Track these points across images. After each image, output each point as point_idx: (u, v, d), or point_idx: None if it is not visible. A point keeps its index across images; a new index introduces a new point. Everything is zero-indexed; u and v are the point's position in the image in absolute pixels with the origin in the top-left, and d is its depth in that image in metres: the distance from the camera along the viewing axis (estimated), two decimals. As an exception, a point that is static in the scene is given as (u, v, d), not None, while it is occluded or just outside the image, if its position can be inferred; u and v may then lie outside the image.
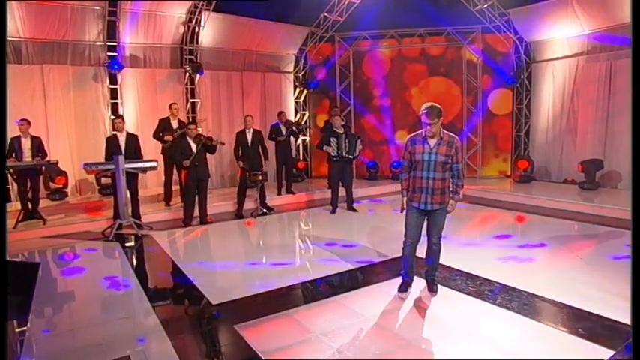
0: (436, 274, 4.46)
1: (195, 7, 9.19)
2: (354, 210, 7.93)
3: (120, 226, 6.53)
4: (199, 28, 9.57)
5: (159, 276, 5.34)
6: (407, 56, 10.69)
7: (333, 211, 7.89)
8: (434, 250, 4.35)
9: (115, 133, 6.86)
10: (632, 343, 2.14)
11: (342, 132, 7.61)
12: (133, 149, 6.67)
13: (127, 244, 6.29)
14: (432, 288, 4.41)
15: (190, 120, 9.22)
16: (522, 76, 10.00)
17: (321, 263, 5.28)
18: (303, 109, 11.50)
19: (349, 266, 5.15)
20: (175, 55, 9.74)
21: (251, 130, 7.77)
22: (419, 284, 4.46)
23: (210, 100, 10.10)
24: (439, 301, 4.18)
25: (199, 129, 7.90)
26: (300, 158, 11.39)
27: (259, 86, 10.74)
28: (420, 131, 4.11)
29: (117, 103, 9.06)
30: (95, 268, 5.40)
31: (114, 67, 8.64)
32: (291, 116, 11.33)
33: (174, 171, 7.96)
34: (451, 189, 4.17)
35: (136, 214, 6.78)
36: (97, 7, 8.52)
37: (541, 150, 10.06)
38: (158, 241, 6.36)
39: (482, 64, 10.30)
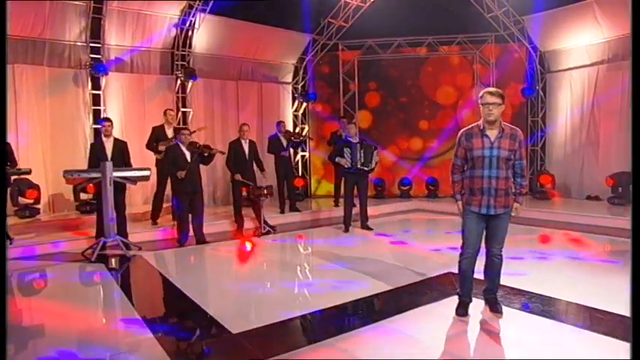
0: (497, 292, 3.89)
1: (190, 7, 8.72)
2: (369, 228, 7.38)
3: (104, 246, 5.76)
4: (193, 31, 9.08)
5: (159, 302, 4.58)
6: (416, 66, 10.45)
7: (347, 229, 7.33)
8: (495, 264, 3.79)
9: (101, 139, 6.17)
10: (632, 342, 2.11)
11: (356, 141, 7.14)
12: (122, 157, 6.00)
13: (113, 266, 5.51)
14: (495, 308, 3.81)
15: (182, 125, 8.58)
16: (537, 87, 9.81)
17: (351, 284, 4.65)
18: (303, 123, 11.03)
19: (385, 286, 4.54)
20: (166, 60, 9.20)
21: (247, 141, 7.23)
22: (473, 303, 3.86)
23: (202, 111, 9.53)
24: (509, 323, 3.60)
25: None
26: (299, 175, 10.81)
27: (256, 97, 10.29)
28: (474, 124, 3.65)
29: (99, 110, 8.39)
30: (79, 294, 4.65)
31: (99, 70, 7.99)
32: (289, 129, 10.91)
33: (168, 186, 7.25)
34: (514, 190, 3.68)
35: (122, 231, 6.02)
36: (80, 3, 7.94)
37: (559, 165, 9.78)
38: (151, 262, 5.61)
39: (495, 75, 10.08)
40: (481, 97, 3.54)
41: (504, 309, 3.80)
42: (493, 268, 3.80)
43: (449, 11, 9.37)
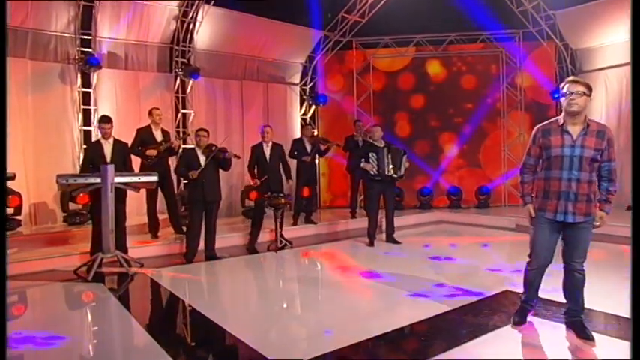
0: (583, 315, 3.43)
1: (194, -3, 8.29)
2: (397, 241, 6.93)
3: (99, 263, 5.17)
4: (195, 25, 8.62)
5: (182, 330, 3.99)
6: (436, 65, 10.13)
7: (372, 243, 6.87)
8: (577, 280, 3.37)
9: (98, 139, 5.68)
10: (632, 342, 2.13)
11: (382, 145, 6.75)
12: (122, 161, 5.51)
13: (114, 286, 4.94)
14: (584, 333, 3.35)
15: (186, 131, 8.08)
16: (568, 89, 9.46)
17: (401, 305, 4.18)
18: (312, 127, 10.53)
19: (442, 306, 4.05)
20: (164, 55, 8.75)
21: (270, 144, 6.79)
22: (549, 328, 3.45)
23: (204, 112, 9.05)
24: (605, 349, 3.13)
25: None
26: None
27: (261, 98, 9.88)
28: (553, 119, 3.36)
29: (89, 110, 7.86)
30: (81, 321, 4.09)
31: (91, 62, 7.46)
32: (297, 135, 10.42)
33: (159, 196, 6.73)
34: (599, 196, 3.31)
35: (121, 246, 5.46)
36: (71, -10, 7.47)
37: (593, 173, 9.38)
38: (159, 281, 5.05)
39: (523, 75, 9.76)
40: (563, 86, 3.25)
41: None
42: (575, 286, 3.38)
43: (473, 6, 9.03)
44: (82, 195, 6.39)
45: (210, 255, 5.95)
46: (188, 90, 8.85)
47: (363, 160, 6.71)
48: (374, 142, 6.80)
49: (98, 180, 5.04)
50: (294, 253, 6.56)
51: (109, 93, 8.08)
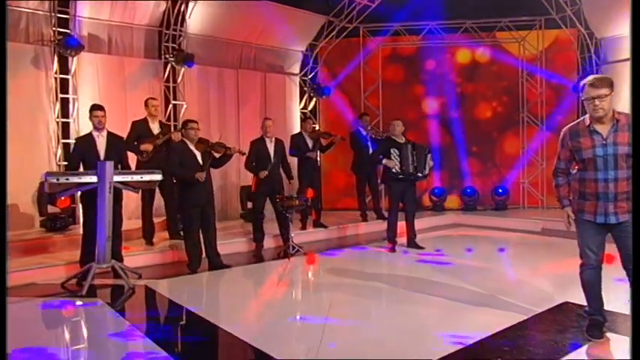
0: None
1: (187, -27, 7.76)
2: (419, 247, 6.59)
3: (85, 275, 4.64)
4: (187, 6, 8.09)
5: (213, 350, 3.53)
6: (450, 55, 9.83)
7: (393, 249, 6.53)
8: None
9: (90, 132, 5.16)
10: (632, 342, 2.23)
11: (403, 141, 6.43)
12: (118, 157, 5.06)
13: (116, 302, 4.48)
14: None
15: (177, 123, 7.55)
16: (592, 81, 9.22)
17: (446, 322, 3.83)
18: (313, 122, 10.10)
19: (501, 321, 3.68)
20: (152, 39, 8.20)
21: (273, 139, 6.44)
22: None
23: (197, 104, 8.53)
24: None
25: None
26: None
27: (259, 89, 9.44)
28: (580, 118, 3.34)
29: (68, 99, 7.27)
30: (85, 345, 3.58)
31: (70, 44, 6.84)
32: (296, 130, 9.95)
33: (155, 198, 6.33)
34: None
35: (116, 254, 4.97)
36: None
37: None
38: (168, 295, 4.62)
39: (544, 66, 9.50)
40: (582, 89, 3.22)
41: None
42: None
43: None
44: (63, 198, 5.92)
45: (217, 263, 5.51)
46: (179, 79, 8.30)
47: (382, 156, 6.38)
48: (394, 138, 6.47)
49: (94, 179, 4.55)
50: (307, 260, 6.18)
51: (90, 80, 7.49)
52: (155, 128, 6.22)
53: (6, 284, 2.96)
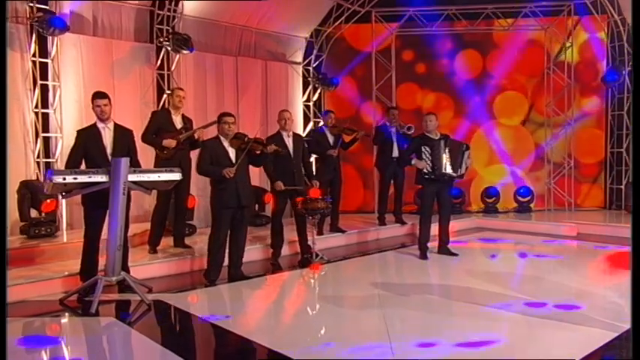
0: None
1: (184, -55, 7.28)
2: (452, 253, 6.30)
3: (86, 290, 4.31)
4: (183, -18, 7.62)
5: None
6: (469, 43, 9.56)
7: (424, 255, 6.24)
8: None
9: (94, 123, 4.74)
10: (632, 343, 2.33)
11: (437, 137, 6.15)
12: (127, 152, 4.65)
13: (138, 322, 4.12)
14: None
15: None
16: (623, 72, 9.04)
17: (540, 336, 3.53)
18: (316, 116, 9.74)
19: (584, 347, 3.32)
20: (143, 21, 7.72)
21: (291, 134, 6.13)
22: None
23: (192, 94, 8.02)
24: None
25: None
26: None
27: (260, 79, 9.04)
28: None
29: (47, 86, 6.74)
30: None
31: (54, 24, 6.29)
32: (299, 126, 9.61)
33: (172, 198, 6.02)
34: None
35: (124, 264, 4.56)
36: None
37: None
38: (194, 311, 4.32)
39: (571, 55, 9.29)
40: None
41: None
42: None
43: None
44: (49, 201, 5.44)
45: (237, 274, 5.17)
46: (173, 66, 7.82)
47: (413, 157, 6.11)
48: (427, 134, 6.19)
49: (105, 178, 4.17)
50: (337, 269, 5.97)
51: (73, 65, 6.96)
52: (178, 122, 5.92)
53: (5, 284, 2.80)
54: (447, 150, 6.05)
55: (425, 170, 5.99)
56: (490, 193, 9.25)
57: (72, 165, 4.39)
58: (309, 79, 9.72)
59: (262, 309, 4.63)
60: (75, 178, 4.06)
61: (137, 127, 5.58)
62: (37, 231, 5.68)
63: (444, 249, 6.30)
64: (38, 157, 6.55)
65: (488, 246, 7.14)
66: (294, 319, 4.38)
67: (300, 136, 6.32)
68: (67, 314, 4.26)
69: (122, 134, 4.75)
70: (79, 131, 4.68)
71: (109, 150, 4.57)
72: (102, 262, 4.41)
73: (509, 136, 9.56)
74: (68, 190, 4.16)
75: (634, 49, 2.69)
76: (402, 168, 7.49)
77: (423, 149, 5.99)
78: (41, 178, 6.14)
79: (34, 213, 5.83)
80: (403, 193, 7.94)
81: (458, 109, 9.55)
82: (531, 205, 9.22)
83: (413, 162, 6.07)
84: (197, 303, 4.71)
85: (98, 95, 4.70)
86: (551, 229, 7.96)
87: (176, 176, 4.57)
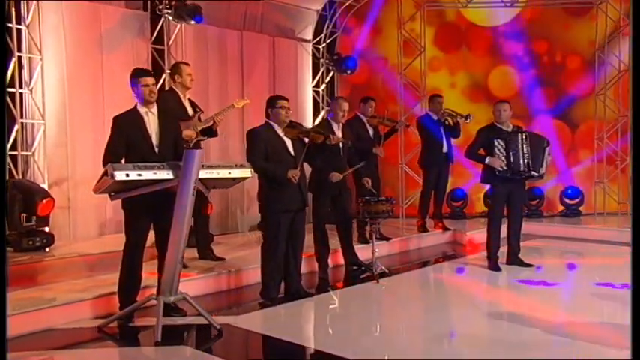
0: None
1: None
2: (525, 264, 6.14)
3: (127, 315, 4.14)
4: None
5: None
6: (512, 21, 9.55)
7: (495, 266, 6.06)
8: None
9: (134, 107, 4.31)
10: (632, 343, 2.43)
11: (511, 130, 6.01)
12: (174, 142, 4.37)
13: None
14: None
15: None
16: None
17: None
18: (327, 104, 9.44)
19: None
20: (136, -18, 7.19)
21: (341, 126, 5.90)
22: None
23: (193, 71, 7.46)
24: None
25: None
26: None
27: (266, 58, 8.74)
28: None
29: (22, 58, 6.24)
30: None
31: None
32: (308, 116, 9.37)
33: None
34: None
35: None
36: None
37: None
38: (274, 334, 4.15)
39: (626, 38, 9.24)
40: None
41: None
42: None
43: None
44: (45, 201, 4.90)
45: (297, 290, 4.96)
46: (172, 40, 7.36)
47: (481, 151, 5.95)
48: (499, 126, 6.01)
49: (171, 175, 3.78)
50: (403, 284, 5.87)
51: (54, 35, 6.42)
52: (187, 106, 5.61)
53: (5, 284, 2.76)
54: (524, 145, 5.88)
55: (500, 168, 5.79)
56: (533, 194, 9.12)
57: (114, 160, 3.93)
58: (321, 60, 9.43)
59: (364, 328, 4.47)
60: (139, 175, 3.63)
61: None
62: (30, 242, 5.20)
63: (514, 258, 6.11)
64: (18, 149, 5.95)
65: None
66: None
67: (349, 127, 6.08)
68: (116, 343, 4.01)
69: (169, 120, 4.39)
70: (115, 117, 4.23)
71: (154, 140, 4.20)
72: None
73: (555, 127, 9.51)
74: (127, 189, 3.72)
75: (633, 49, 2.78)
76: (449, 166, 7.40)
77: (496, 143, 5.79)
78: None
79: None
80: (445, 194, 7.78)
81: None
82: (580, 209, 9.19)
83: (488, 161, 5.84)
84: (267, 325, 4.50)
85: (144, 72, 4.33)
86: (610, 235, 7.82)
87: (247, 173, 4.24)
